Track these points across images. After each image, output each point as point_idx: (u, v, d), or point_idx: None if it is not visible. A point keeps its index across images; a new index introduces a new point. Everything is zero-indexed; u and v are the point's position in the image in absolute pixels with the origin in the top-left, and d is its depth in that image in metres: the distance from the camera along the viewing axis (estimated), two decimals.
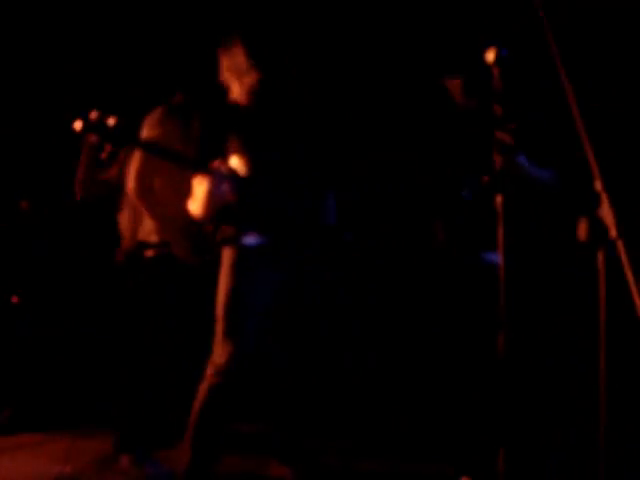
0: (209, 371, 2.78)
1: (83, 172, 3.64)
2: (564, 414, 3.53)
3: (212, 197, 2.63)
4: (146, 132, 3.13)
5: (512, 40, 2.41)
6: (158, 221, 3.25)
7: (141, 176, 3.11)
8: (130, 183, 3.15)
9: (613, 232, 1.69)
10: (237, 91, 2.82)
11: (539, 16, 2.09)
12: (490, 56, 2.35)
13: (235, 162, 2.78)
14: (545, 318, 3.38)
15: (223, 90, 2.86)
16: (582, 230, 1.85)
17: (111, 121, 2.43)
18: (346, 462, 3.44)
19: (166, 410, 3.46)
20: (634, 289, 1.57)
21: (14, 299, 4.12)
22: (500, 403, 2.19)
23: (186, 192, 2.72)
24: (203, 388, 2.78)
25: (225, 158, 2.77)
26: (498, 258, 2.11)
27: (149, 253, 3.30)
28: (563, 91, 2.04)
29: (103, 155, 2.52)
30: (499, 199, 2.19)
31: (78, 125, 2.41)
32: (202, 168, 2.64)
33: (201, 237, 3.06)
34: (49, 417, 4.13)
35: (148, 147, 2.63)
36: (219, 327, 2.77)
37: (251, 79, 2.76)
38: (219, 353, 2.76)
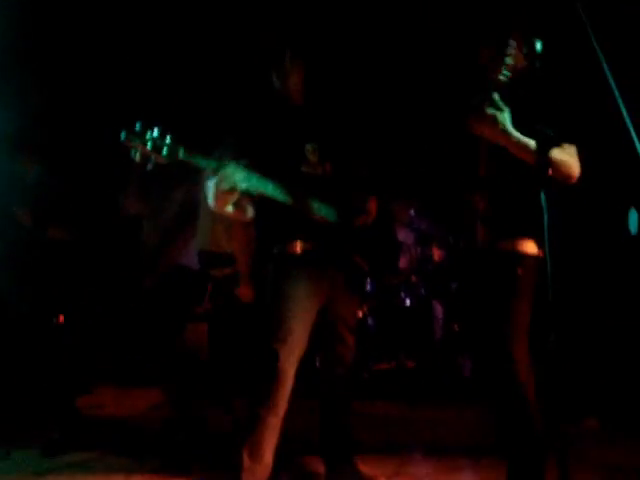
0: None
1: (132, 190, 3.81)
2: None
3: None
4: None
5: (549, 33, 2.38)
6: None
7: None
8: None
9: None
10: (289, 90, 2.99)
11: (577, 9, 2.08)
12: (512, 47, 2.33)
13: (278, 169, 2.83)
14: (592, 310, 3.34)
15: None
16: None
17: (155, 132, 2.44)
18: (396, 468, 3.43)
19: None
20: None
21: (60, 319, 4.19)
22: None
23: None
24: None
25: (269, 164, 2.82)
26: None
27: (217, 273, 3.48)
28: (603, 83, 2.02)
29: (150, 166, 2.49)
30: (542, 194, 2.17)
31: (123, 134, 2.42)
32: None
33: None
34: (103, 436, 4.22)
35: (197, 160, 2.60)
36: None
37: (301, 73, 2.95)
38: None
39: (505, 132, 2.44)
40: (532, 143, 2.42)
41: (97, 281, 4.70)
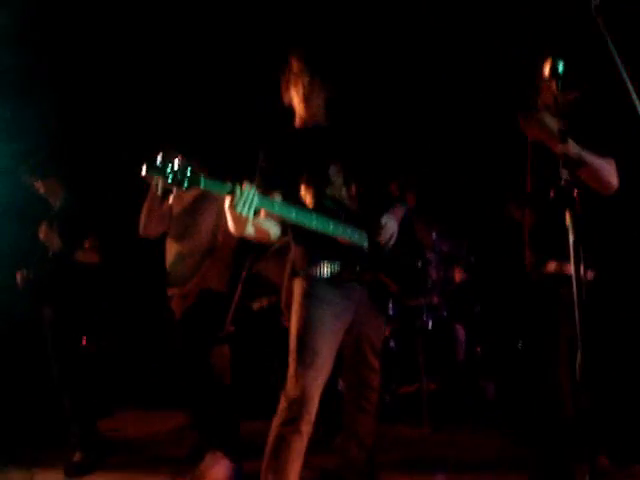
0: (282, 404, 2.73)
1: (147, 212, 3.83)
2: None
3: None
4: None
5: (571, 51, 2.39)
6: None
7: None
8: None
9: None
10: (297, 103, 2.95)
11: (598, 27, 2.08)
12: (546, 69, 2.33)
13: (302, 192, 2.85)
14: (621, 328, 3.30)
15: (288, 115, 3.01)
16: None
17: (176, 164, 2.44)
18: None
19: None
20: None
21: (83, 341, 4.21)
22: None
23: None
24: (277, 423, 2.73)
25: (294, 189, 2.84)
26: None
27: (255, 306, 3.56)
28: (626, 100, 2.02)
29: (170, 199, 2.49)
30: (567, 213, 2.15)
31: (143, 170, 2.40)
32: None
33: None
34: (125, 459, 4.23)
35: (214, 187, 2.61)
36: (291, 360, 2.76)
37: (305, 79, 2.89)
38: (292, 386, 2.72)
39: (552, 135, 2.47)
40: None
41: (121, 304, 4.73)
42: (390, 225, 2.90)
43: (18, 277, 4.28)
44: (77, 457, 4.01)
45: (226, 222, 2.67)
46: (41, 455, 4.28)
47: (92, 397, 4.23)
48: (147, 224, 3.90)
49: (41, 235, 4.08)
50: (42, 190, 4.30)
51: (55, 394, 4.34)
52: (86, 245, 4.18)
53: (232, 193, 2.52)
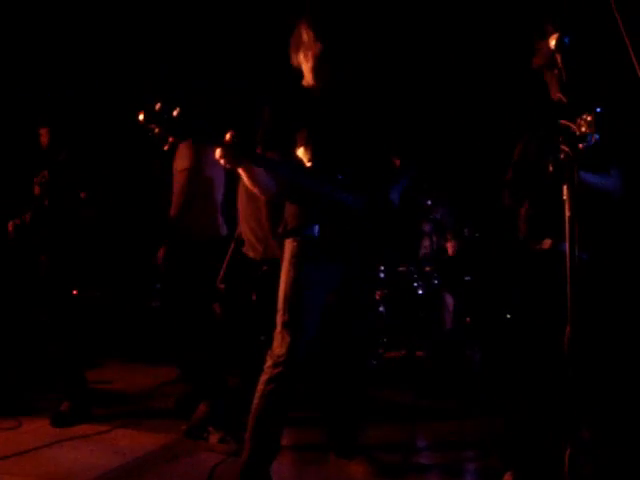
0: (268, 362, 2.77)
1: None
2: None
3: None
4: None
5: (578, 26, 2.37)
6: None
7: None
8: None
9: None
10: (306, 70, 2.93)
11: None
12: (552, 42, 2.31)
13: (301, 152, 2.82)
14: (613, 307, 3.34)
15: (296, 76, 2.99)
16: None
17: (175, 112, 2.41)
18: (402, 456, 3.43)
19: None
20: None
21: (74, 292, 4.21)
22: (567, 396, 2.14)
23: None
24: (263, 380, 2.77)
25: (293, 149, 2.82)
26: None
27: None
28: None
29: (165, 147, 2.46)
30: (565, 188, 2.15)
31: (141, 116, 2.37)
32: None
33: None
34: (111, 410, 4.26)
35: (212, 140, 2.58)
36: (279, 318, 2.78)
37: (315, 50, 2.85)
38: (278, 344, 2.76)
39: None
40: None
41: (114, 257, 4.71)
42: (395, 202, 2.97)
43: (10, 226, 4.26)
44: (64, 407, 4.03)
45: None
46: (28, 404, 4.31)
47: (81, 348, 4.24)
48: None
49: (42, 179, 4.07)
50: (45, 139, 4.26)
51: (45, 343, 4.35)
52: (82, 195, 4.16)
53: (222, 145, 2.51)
